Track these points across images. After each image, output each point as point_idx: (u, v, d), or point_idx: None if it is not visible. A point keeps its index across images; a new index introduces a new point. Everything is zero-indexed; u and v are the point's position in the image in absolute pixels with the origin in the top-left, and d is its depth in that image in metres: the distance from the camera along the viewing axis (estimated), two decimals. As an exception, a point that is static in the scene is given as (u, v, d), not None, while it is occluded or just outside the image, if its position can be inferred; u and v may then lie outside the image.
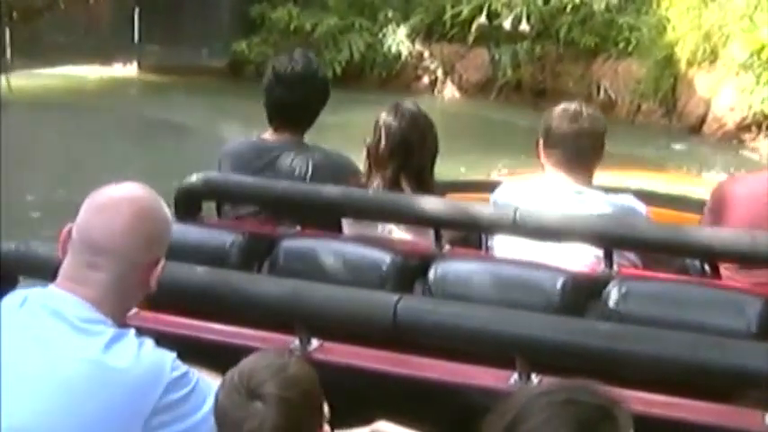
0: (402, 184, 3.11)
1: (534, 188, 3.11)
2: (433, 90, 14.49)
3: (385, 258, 2.84)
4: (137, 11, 16.12)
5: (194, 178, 3.15)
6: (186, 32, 15.51)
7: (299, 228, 3.13)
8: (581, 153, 3.04)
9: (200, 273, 2.63)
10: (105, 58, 15.72)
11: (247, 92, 12.93)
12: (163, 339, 2.06)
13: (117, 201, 2.03)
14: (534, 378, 2.29)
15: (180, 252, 2.70)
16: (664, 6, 12.44)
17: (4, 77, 13.39)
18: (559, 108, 3.10)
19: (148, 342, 2.01)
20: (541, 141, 3.10)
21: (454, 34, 14.25)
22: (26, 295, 2.06)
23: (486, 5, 13.74)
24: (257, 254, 2.99)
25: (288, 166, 3.33)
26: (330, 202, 3.07)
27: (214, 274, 2.65)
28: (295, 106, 3.40)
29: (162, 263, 2.07)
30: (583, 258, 2.92)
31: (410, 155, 3.13)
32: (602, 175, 3.17)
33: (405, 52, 14.67)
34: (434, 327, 2.40)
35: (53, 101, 13.49)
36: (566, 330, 2.34)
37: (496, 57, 13.89)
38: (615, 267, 2.84)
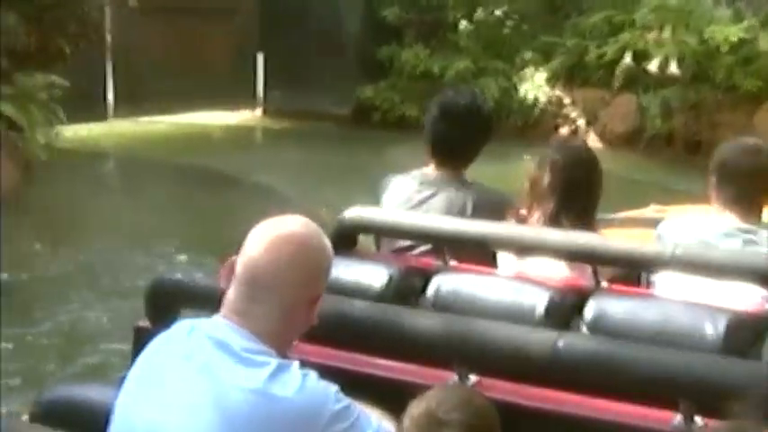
0: (563, 220, 3.40)
1: (700, 225, 3.36)
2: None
3: (542, 295, 3.09)
4: (260, 55, 16.91)
5: (353, 212, 3.51)
6: (311, 77, 16.07)
7: (455, 262, 3.44)
8: (756, 190, 3.29)
9: (358, 306, 2.94)
10: (226, 104, 16.49)
11: (371, 140, 13.49)
12: (322, 372, 2.27)
13: (281, 237, 2.28)
14: (699, 421, 2.48)
15: (337, 286, 3.06)
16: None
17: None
18: (733, 143, 3.37)
19: (312, 374, 2.22)
20: (715, 177, 3.35)
21: (598, 78, 14.22)
22: (192, 325, 2.31)
23: (632, 46, 13.65)
24: (414, 288, 3.28)
25: (447, 201, 3.68)
26: (487, 237, 3.37)
27: (372, 308, 2.96)
28: (458, 142, 3.77)
29: (322, 298, 2.33)
30: (748, 298, 3.13)
31: (574, 192, 3.43)
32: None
33: (543, 98, 14.69)
34: (595, 365, 2.61)
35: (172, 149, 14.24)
36: (733, 373, 2.52)
37: (644, 104, 13.68)
38: None
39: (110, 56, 15.90)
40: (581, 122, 14.43)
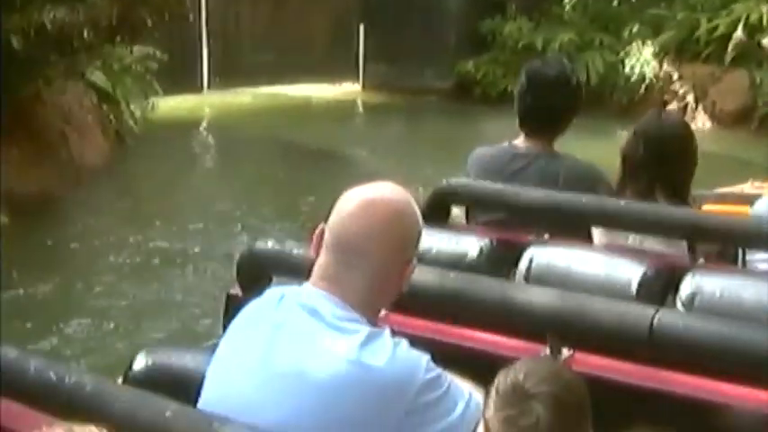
0: (656, 194, 3.41)
1: None
2: (683, 118, 13.84)
3: (637, 270, 3.10)
4: (361, 28, 17.02)
5: (445, 183, 3.56)
6: (411, 51, 16.14)
7: (547, 236, 3.48)
8: None
9: (450, 277, 2.95)
10: (326, 76, 16.64)
11: (472, 114, 13.49)
12: (413, 342, 2.29)
13: (372, 201, 2.27)
14: None
15: (429, 257, 3.11)
16: None
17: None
18: None
19: (404, 342, 2.21)
20: None
21: (709, 53, 13.86)
22: (283, 293, 2.30)
23: (744, 18, 13.31)
24: (506, 261, 3.32)
25: (538, 173, 3.71)
26: (580, 211, 3.40)
27: (464, 279, 2.97)
28: (547, 113, 3.79)
29: (413, 264, 2.31)
30: None
31: (667, 165, 3.42)
32: None
33: (650, 74, 14.42)
34: (693, 343, 2.60)
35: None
36: None
37: (757, 80, 13.37)
38: None
39: (206, 29, 16.19)
40: (690, 99, 14.06)
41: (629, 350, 2.71)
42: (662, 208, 3.32)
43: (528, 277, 3.24)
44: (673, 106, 14.06)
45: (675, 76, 14.32)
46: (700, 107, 13.99)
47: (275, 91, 16.30)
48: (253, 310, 2.35)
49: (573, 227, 3.48)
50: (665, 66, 14.40)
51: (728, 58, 13.57)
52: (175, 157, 11.60)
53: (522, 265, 3.28)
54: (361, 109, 16.38)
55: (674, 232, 3.29)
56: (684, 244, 3.26)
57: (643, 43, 14.59)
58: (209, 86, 16.41)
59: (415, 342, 2.29)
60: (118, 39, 9.99)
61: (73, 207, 9.03)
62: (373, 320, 2.27)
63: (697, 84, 14.03)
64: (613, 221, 3.39)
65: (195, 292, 7.26)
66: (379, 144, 12.65)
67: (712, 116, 13.81)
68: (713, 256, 3.39)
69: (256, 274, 3.08)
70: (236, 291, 3.16)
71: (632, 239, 3.43)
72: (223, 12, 16.26)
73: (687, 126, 3.51)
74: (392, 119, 14.72)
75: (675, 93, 14.29)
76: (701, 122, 13.86)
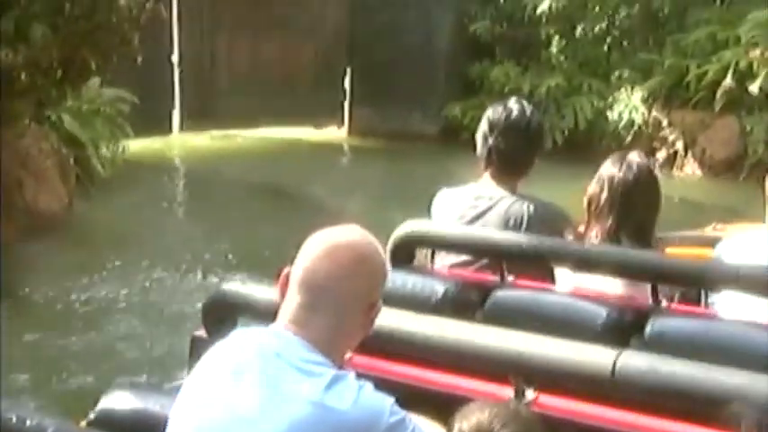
0: (621, 237, 3.52)
1: (761, 243, 3.46)
2: (671, 166, 13.99)
3: (601, 312, 3.20)
4: (348, 71, 17.16)
5: (409, 226, 3.66)
6: (398, 94, 16.23)
7: (512, 278, 3.57)
8: None
9: (414, 320, 3.07)
10: (309, 119, 16.74)
11: (458, 160, 13.52)
12: (378, 385, 2.34)
13: (337, 245, 2.37)
14: None
15: (394, 299, 3.18)
16: None
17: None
18: None
19: (368, 385, 2.29)
20: None
21: (699, 100, 13.85)
22: (248, 335, 2.40)
23: (733, 65, 13.33)
24: (471, 303, 3.41)
25: (503, 216, 3.82)
26: (545, 253, 3.50)
27: (429, 321, 3.07)
28: (510, 155, 3.93)
29: (378, 307, 2.41)
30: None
31: (631, 208, 3.55)
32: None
33: (639, 120, 14.44)
34: (655, 384, 2.70)
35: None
36: None
37: (747, 128, 13.35)
38: None
39: (178, 69, 16.31)
40: (679, 146, 14.08)
41: (592, 392, 2.79)
42: (626, 250, 3.42)
43: (492, 319, 3.31)
44: (662, 153, 14.19)
45: (664, 123, 14.36)
46: (689, 154, 14.03)
47: (254, 134, 16.44)
48: (218, 352, 2.41)
49: (538, 269, 3.57)
50: (654, 112, 14.44)
51: (718, 105, 13.59)
52: (140, 203, 11.60)
53: (487, 307, 3.38)
54: (343, 153, 16.49)
55: (638, 274, 3.38)
56: (648, 286, 3.36)
57: (632, 89, 14.66)
58: (181, 128, 16.50)
59: (381, 385, 2.36)
60: (70, 80, 9.97)
61: (22, 256, 8.86)
62: (339, 363, 2.35)
63: (686, 131, 14.07)
64: (578, 264, 3.49)
65: (131, 343, 7.22)
66: (362, 193, 12.73)
67: (702, 164, 13.85)
68: (677, 297, 3.50)
69: (222, 317, 3.17)
70: (202, 333, 3.24)
71: (597, 282, 3.53)
72: (197, 51, 16.44)
73: (650, 169, 3.63)
74: (375, 163, 14.77)
75: (664, 139, 14.33)
76: (690, 170, 13.94)
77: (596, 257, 3.43)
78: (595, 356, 2.80)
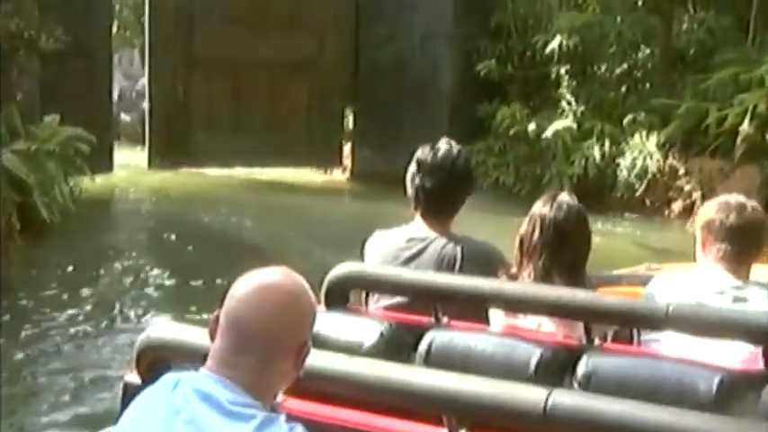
0: (553, 276, 3.80)
1: (691, 282, 3.75)
2: (688, 217, 13.58)
3: (534, 351, 3.43)
4: (349, 111, 17.54)
5: (343, 268, 3.93)
6: (402, 136, 16.25)
7: (447, 319, 3.83)
8: (745, 246, 3.72)
9: (348, 362, 3.24)
10: (302, 161, 17.10)
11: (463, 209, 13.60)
12: (311, 428, 2.49)
13: (264, 286, 2.54)
14: None
15: (328, 342, 3.47)
16: None
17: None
18: (719, 201, 3.85)
19: (299, 428, 2.44)
20: (703, 235, 3.78)
21: (718, 146, 13.75)
22: (178, 378, 2.52)
23: (752, 109, 13.18)
24: (405, 345, 3.63)
25: (436, 257, 4.10)
26: (478, 293, 3.74)
27: (362, 363, 3.26)
28: (436, 195, 4.21)
29: (308, 348, 2.57)
30: (740, 355, 3.48)
31: (563, 248, 3.85)
32: (758, 269, 3.76)
33: (653, 168, 14.32)
34: (587, 422, 2.88)
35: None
36: (724, 430, 2.79)
37: None
38: None
39: (148, 104, 17.13)
40: (696, 197, 13.98)
41: (525, 431, 2.98)
42: (558, 290, 3.67)
43: (427, 361, 3.56)
44: (677, 204, 14.14)
45: (681, 171, 14.32)
46: None
47: (235, 173, 16.88)
48: (148, 397, 2.57)
49: (471, 309, 3.83)
50: (670, 159, 14.41)
51: (738, 152, 13.54)
52: (82, 248, 11.79)
53: (422, 348, 3.60)
54: (341, 197, 16.75)
55: (571, 313, 3.63)
56: (581, 325, 3.62)
57: (647, 133, 14.64)
58: (149, 165, 17.05)
59: (312, 427, 2.53)
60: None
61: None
62: (269, 405, 2.50)
63: (704, 180, 13.96)
64: (511, 303, 3.74)
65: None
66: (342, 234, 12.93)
67: None
68: (610, 336, 3.77)
69: (153, 361, 3.34)
70: (133, 377, 3.42)
71: (530, 321, 3.80)
72: (169, 86, 17.05)
73: (581, 209, 3.93)
74: (375, 210, 15.00)
75: (680, 189, 14.27)
76: None
77: (529, 297, 3.68)
78: (527, 395, 2.99)
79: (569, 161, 14.97)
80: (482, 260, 4.06)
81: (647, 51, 16.04)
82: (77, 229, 12.30)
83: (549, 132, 15.06)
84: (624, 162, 14.70)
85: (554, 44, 15.68)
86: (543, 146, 15.12)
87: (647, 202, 14.34)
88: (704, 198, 13.23)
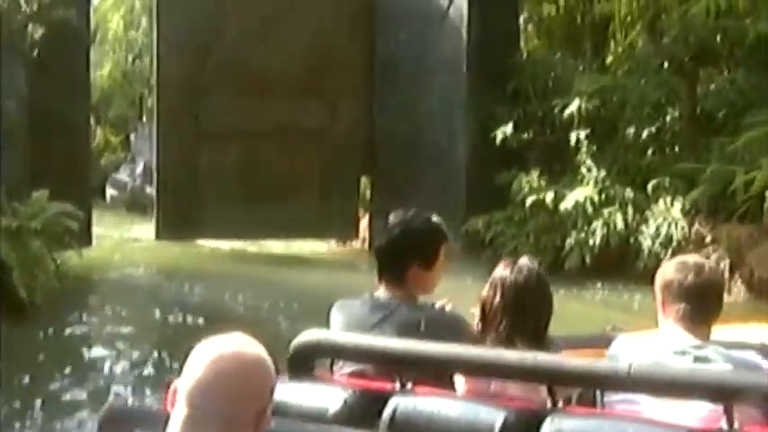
0: (516, 340, 3.99)
1: (652, 343, 3.94)
2: None
3: (498, 415, 3.62)
4: (365, 181, 17.81)
5: (308, 335, 4.13)
6: (419, 206, 16.53)
7: (411, 385, 4.02)
8: (704, 306, 3.91)
9: (314, 430, 3.47)
10: (315, 232, 17.34)
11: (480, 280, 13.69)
12: None
13: (221, 355, 2.65)
14: None
15: (293, 410, 3.67)
16: None
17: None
18: (677, 262, 4.05)
19: None
20: (662, 296, 3.98)
21: (746, 211, 13.60)
22: None
23: None
24: (370, 411, 3.81)
25: (400, 323, 4.29)
26: (443, 359, 3.94)
27: (326, 431, 3.51)
28: (391, 259, 4.45)
29: (268, 416, 2.68)
30: (703, 414, 3.64)
31: (524, 312, 4.05)
32: (722, 329, 3.95)
33: (678, 235, 14.21)
34: None
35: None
36: None
37: None
38: (737, 425, 3.48)
39: (156, 172, 17.60)
40: (724, 265, 13.58)
41: None
42: (521, 353, 3.86)
43: (392, 427, 3.75)
44: None
45: (708, 239, 14.14)
46: (736, 275, 13.66)
47: (246, 246, 17.20)
48: None
49: (436, 375, 4.04)
50: (696, 226, 14.28)
51: (767, 217, 13.41)
52: (60, 331, 11.89)
53: (386, 415, 3.78)
54: (354, 269, 16.65)
55: (534, 377, 3.81)
56: (545, 387, 3.80)
57: (672, 199, 14.58)
58: (157, 236, 17.40)
59: None
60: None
61: None
62: None
63: (732, 247, 13.75)
64: (475, 368, 3.94)
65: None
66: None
67: (749, 286, 13.52)
68: (574, 398, 3.96)
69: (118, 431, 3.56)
70: None
71: (494, 385, 3.98)
72: (177, 156, 17.49)
73: (541, 274, 4.14)
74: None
75: (707, 257, 13.13)
76: (735, 293, 13.47)
77: (492, 361, 3.87)
78: None
79: (590, 230, 14.96)
80: (445, 327, 4.26)
81: (673, 114, 16.08)
82: (58, 311, 12.46)
83: (568, 203, 15.10)
84: (648, 230, 14.62)
85: (573, 108, 15.81)
86: (563, 214, 15.13)
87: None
88: (733, 267, 13.55)
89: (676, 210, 14.49)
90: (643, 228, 14.67)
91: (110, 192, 28.94)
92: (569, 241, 14.91)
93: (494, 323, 4.07)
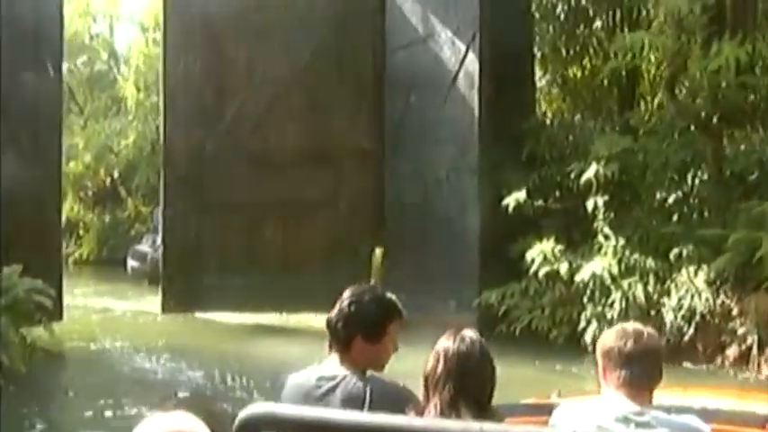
0: (461, 409, 4.18)
1: (593, 410, 4.12)
2: (745, 364, 13.37)
3: None
4: (373, 252, 17.98)
5: (253, 409, 4.32)
6: (433, 279, 16.89)
7: (357, 457, 4.20)
8: (644, 373, 4.10)
9: None
10: (325, 305, 17.38)
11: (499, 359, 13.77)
12: None
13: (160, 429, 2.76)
14: None
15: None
16: None
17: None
18: (617, 329, 4.24)
19: None
20: (603, 363, 4.16)
21: None
22: None
23: None
24: (316, 484, 4.06)
25: (345, 395, 4.49)
26: (385, 430, 4.14)
27: None
28: (334, 325, 4.70)
29: None
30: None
31: (468, 380, 4.22)
32: (663, 394, 4.14)
33: (702, 307, 14.01)
34: None
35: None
36: None
37: None
38: None
39: (162, 244, 18.03)
40: (752, 340, 13.53)
41: None
42: (466, 423, 4.04)
43: (339, 500, 3.97)
44: (732, 350, 13.72)
45: (734, 311, 14.00)
46: (766, 351, 13.47)
47: (255, 320, 17.41)
48: None
49: (382, 447, 4.23)
50: (722, 297, 14.13)
51: None
52: (21, 418, 12.01)
53: (332, 489, 4.01)
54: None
55: (479, 446, 4.01)
56: (490, 457, 3.99)
57: (696, 269, 14.44)
58: (163, 310, 17.83)
59: None
60: None
61: None
62: None
63: (761, 320, 13.56)
64: None
65: None
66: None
67: None
68: None
69: None
70: None
71: (441, 455, 4.18)
72: (181, 229, 17.95)
73: (483, 343, 4.33)
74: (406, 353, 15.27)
75: (734, 332, 13.87)
76: (766, 371, 13.27)
77: (437, 430, 4.07)
78: None
79: (608, 302, 14.89)
80: (391, 398, 4.45)
81: (701, 177, 16.02)
82: (21, 394, 12.63)
83: (585, 274, 15.08)
84: (670, 302, 14.45)
85: (590, 173, 15.79)
86: (580, 285, 15.16)
87: (699, 347, 13.96)
88: (761, 342, 13.26)
89: (700, 280, 14.36)
90: (665, 300, 14.58)
91: (131, 263, 29.53)
92: (585, 314, 14.97)
93: (436, 391, 4.25)
